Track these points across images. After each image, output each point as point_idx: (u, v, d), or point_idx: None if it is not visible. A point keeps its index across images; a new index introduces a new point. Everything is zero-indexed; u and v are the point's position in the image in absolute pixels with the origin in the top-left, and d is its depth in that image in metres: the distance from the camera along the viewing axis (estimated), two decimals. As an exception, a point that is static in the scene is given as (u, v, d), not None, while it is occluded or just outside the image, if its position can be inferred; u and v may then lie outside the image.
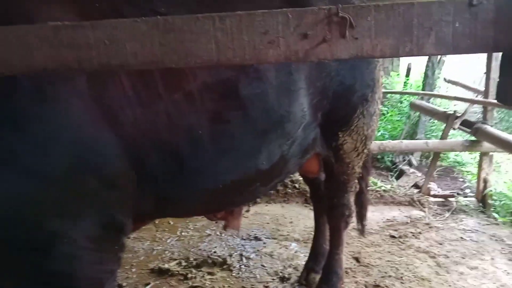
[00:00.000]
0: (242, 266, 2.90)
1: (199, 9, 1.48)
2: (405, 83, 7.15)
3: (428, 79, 5.90)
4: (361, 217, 2.57)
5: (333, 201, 2.25)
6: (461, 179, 5.03)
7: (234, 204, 1.86)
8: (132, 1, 1.40)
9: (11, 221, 1.13)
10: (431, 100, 5.78)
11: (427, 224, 3.50)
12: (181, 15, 0.78)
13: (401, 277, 2.67)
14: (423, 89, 6.10)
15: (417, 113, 5.83)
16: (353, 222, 2.96)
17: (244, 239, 3.35)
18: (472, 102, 3.88)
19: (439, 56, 5.89)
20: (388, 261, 2.91)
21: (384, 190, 4.27)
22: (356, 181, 2.30)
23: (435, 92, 5.79)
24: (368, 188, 2.59)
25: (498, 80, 0.78)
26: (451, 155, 5.61)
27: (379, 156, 5.82)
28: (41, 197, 1.16)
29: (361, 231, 2.63)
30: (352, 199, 2.33)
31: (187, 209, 1.70)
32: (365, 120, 1.99)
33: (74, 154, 1.19)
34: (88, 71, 0.92)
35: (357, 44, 0.74)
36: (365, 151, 2.14)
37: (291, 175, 3.31)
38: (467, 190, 4.40)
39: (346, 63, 1.81)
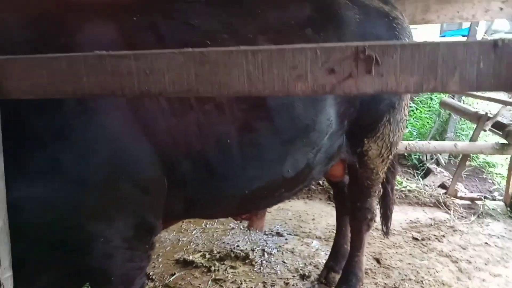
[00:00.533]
0: (264, 262, 2.99)
1: (229, 19, 1.53)
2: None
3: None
4: (386, 220, 2.60)
5: (356, 205, 2.28)
6: (490, 181, 4.90)
7: (259, 208, 1.94)
8: (167, 14, 1.47)
9: (55, 223, 1.23)
10: (463, 98, 5.62)
11: (451, 227, 3.47)
12: (215, 48, 0.83)
13: (421, 281, 2.69)
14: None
15: (448, 111, 5.69)
16: (376, 222, 3.00)
17: (267, 235, 3.43)
18: (506, 103, 3.77)
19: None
20: (409, 263, 2.92)
21: (409, 190, 4.24)
22: (380, 186, 2.31)
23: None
24: (393, 191, 2.59)
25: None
26: (481, 155, 5.46)
27: (406, 154, 5.75)
28: (82, 201, 1.26)
29: (386, 233, 2.65)
30: (375, 203, 2.35)
31: (213, 212, 1.78)
32: (391, 127, 2.00)
33: (112, 162, 1.28)
34: (129, 97, 0.99)
35: (382, 80, 0.77)
36: (390, 157, 2.16)
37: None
38: (496, 193, 4.30)
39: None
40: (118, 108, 1.28)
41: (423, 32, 8.38)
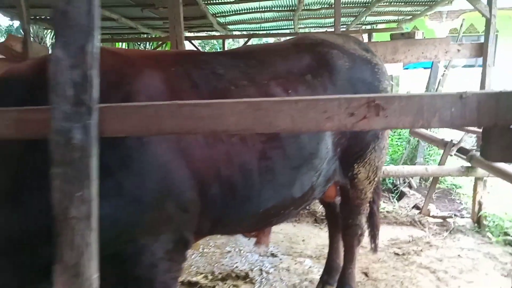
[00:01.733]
0: (263, 280, 3.23)
1: (246, 69, 1.88)
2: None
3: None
4: (374, 237, 2.92)
5: (348, 222, 2.60)
6: (458, 201, 5.37)
7: (271, 224, 2.22)
8: (197, 65, 1.79)
9: (117, 237, 1.48)
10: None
11: (428, 242, 3.84)
12: (268, 98, 1.15)
13: (406, 290, 3.01)
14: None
15: (416, 139, 6.22)
16: (362, 241, 3.32)
17: (262, 256, 3.68)
18: (467, 131, 4.26)
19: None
20: (393, 275, 3.24)
21: (387, 211, 4.62)
22: (368, 204, 2.66)
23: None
24: (379, 210, 2.94)
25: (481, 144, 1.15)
26: (449, 178, 5.97)
27: (380, 179, 6.19)
28: (138, 219, 1.52)
29: (374, 249, 2.97)
30: (364, 220, 2.68)
31: (233, 228, 2.06)
32: (376, 153, 2.37)
33: (162, 186, 1.56)
34: (202, 134, 1.29)
35: (387, 121, 1.12)
36: (376, 179, 2.51)
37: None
38: (464, 212, 4.76)
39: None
40: (166, 140, 1.57)
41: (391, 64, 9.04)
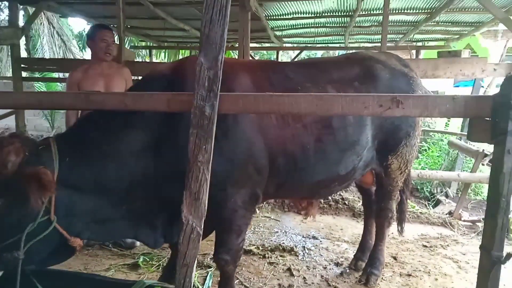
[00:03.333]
0: (305, 254, 3.84)
1: (310, 74, 2.54)
2: (446, 124, 7.92)
3: (466, 121, 6.68)
4: (401, 221, 3.45)
5: (381, 205, 3.16)
6: (492, 211, 5.67)
7: (320, 195, 2.86)
8: (275, 71, 2.49)
9: (216, 184, 2.16)
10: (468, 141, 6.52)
11: (455, 240, 4.28)
12: (328, 94, 1.81)
13: (429, 272, 3.50)
14: (461, 130, 6.86)
15: (456, 151, 6.57)
16: (392, 233, 3.86)
17: (304, 237, 4.30)
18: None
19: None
20: (419, 261, 3.73)
21: (420, 212, 5.07)
22: (398, 192, 3.21)
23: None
24: (407, 199, 3.47)
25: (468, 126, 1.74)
26: (485, 190, 6.26)
27: (418, 187, 6.60)
28: (230, 174, 2.22)
29: (400, 231, 3.50)
30: (394, 205, 3.23)
31: (292, 193, 2.72)
32: (407, 149, 2.93)
33: (247, 152, 2.25)
34: (281, 114, 1.96)
35: (404, 111, 1.73)
36: (406, 170, 3.07)
37: (347, 189, 4.32)
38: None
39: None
40: (251, 121, 2.26)
41: (443, 81, 9.32)
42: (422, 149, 7.89)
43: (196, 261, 1.98)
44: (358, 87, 2.60)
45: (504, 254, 1.64)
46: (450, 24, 6.85)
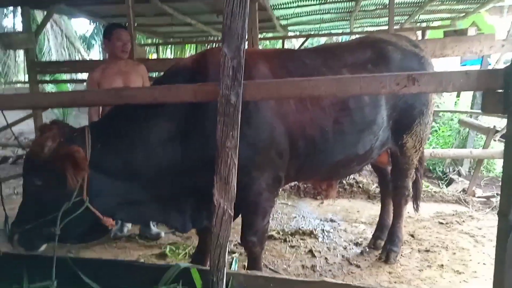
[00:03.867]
0: (325, 236, 3.96)
1: (325, 60, 2.63)
2: (456, 103, 7.94)
3: (476, 99, 6.70)
4: (416, 198, 3.55)
5: (397, 183, 3.26)
6: (505, 187, 5.73)
7: (340, 175, 2.97)
8: (291, 58, 2.59)
9: (242, 168, 2.27)
10: (479, 117, 6.54)
11: (470, 215, 4.37)
12: (347, 76, 1.90)
13: (446, 247, 3.60)
14: (472, 108, 6.89)
15: (466, 130, 6.61)
16: (408, 212, 3.95)
17: (322, 220, 4.41)
18: None
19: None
20: (436, 237, 3.83)
21: (434, 191, 5.16)
22: (414, 170, 3.30)
23: (478, 110, 6.54)
24: (422, 177, 3.56)
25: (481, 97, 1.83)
26: (498, 167, 6.31)
27: (431, 167, 6.67)
28: (253, 158, 2.32)
29: (416, 208, 3.59)
30: (410, 183, 3.33)
31: (313, 175, 2.83)
32: (421, 127, 3.01)
33: (269, 137, 2.35)
34: (302, 97, 2.07)
35: (420, 88, 1.82)
36: (421, 149, 3.16)
37: (359, 173, 4.43)
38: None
39: (408, 90, 2.85)
40: (271, 108, 2.37)
41: (450, 60, 9.33)
42: (433, 130, 7.94)
43: (228, 243, 2.10)
44: (371, 69, 2.69)
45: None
46: (455, 2, 6.84)
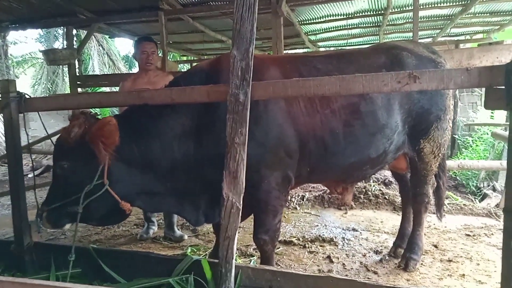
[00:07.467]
0: (345, 244, 3.95)
1: (338, 64, 2.71)
2: (491, 116, 7.68)
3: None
4: (439, 207, 3.48)
5: (416, 190, 3.23)
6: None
7: (352, 178, 2.99)
8: (304, 63, 2.69)
9: (251, 167, 2.37)
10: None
11: (500, 229, 4.19)
12: (354, 75, 1.98)
13: (470, 258, 3.48)
14: (507, 121, 6.65)
15: (501, 144, 6.38)
16: (434, 223, 3.87)
17: (344, 229, 4.40)
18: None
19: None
20: (461, 248, 3.71)
21: (464, 204, 5.00)
22: (433, 177, 3.26)
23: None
24: (444, 185, 3.50)
25: (484, 97, 1.84)
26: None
27: (464, 182, 6.45)
28: (263, 157, 2.42)
29: (439, 217, 3.52)
30: (430, 190, 3.28)
31: (325, 177, 2.88)
32: (439, 132, 3.00)
33: (278, 137, 2.45)
34: (307, 96, 2.16)
35: (421, 85, 1.87)
36: (440, 154, 3.13)
37: (384, 188, 4.38)
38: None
39: (426, 94, 2.86)
40: (281, 109, 2.47)
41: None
42: (467, 144, 7.71)
43: (237, 234, 2.19)
44: (384, 74, 2.74)
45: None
46: (488, 14, 6.72)
